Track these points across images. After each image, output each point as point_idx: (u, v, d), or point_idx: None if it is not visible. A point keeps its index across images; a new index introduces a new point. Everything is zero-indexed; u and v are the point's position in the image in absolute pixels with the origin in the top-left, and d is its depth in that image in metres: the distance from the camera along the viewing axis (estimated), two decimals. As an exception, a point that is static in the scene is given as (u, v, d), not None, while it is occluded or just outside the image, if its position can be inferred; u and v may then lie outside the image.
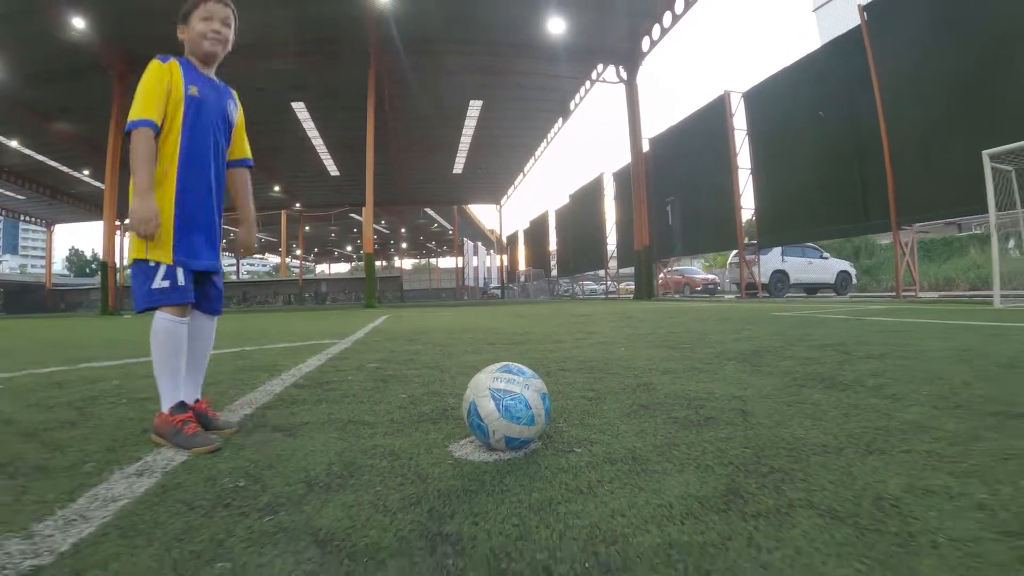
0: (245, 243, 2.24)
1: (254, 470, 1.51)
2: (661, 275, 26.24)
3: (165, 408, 1.84)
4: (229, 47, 2.05)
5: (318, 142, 31.77)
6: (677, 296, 24.92)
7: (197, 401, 1.97)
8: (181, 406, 1.85)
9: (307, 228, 50.99)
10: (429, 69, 23.71)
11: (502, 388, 1.61)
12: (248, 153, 2.21)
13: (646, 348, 4.25)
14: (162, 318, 1.84)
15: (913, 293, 14.25)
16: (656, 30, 21.48)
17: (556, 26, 20.60)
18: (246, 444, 1.79)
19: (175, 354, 1.86)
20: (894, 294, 13.97)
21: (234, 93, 2.15)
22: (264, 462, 1.58)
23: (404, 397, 2.55)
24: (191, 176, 1.90)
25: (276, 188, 39.53)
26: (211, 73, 2.03)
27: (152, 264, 1.82)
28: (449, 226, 61.89)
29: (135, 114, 1.79)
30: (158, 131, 1.83)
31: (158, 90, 1.83)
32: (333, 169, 36.57)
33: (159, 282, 1.82)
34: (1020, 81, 9.92)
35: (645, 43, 22.39)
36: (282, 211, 43.40)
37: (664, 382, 2.73)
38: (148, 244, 1.80)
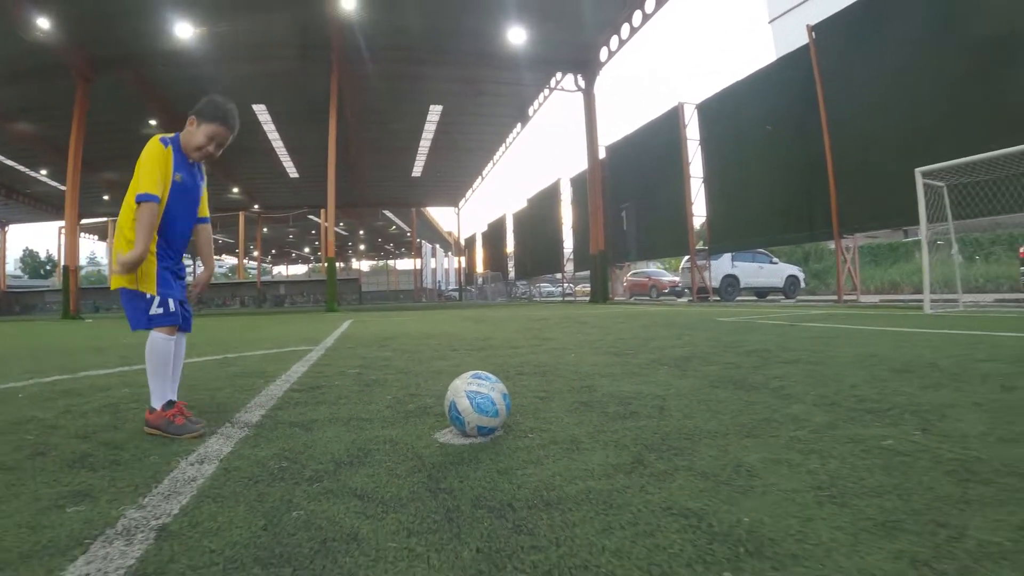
0: (203, 282, 2.85)
1: (290, 455, 2.00)
2: (627, 277, 27.05)
3: (157, 405, 2.38)
4: (212, 158, 2.62)
5: (278, 144, 31.76)
6: (633, 300, 25.68)
7: (175, 403, 2.46)
8: (170, 403, 2.39)
9: (265, 230, 50.53)
10: (391, 75, 24.07)
11: (474, 390, 2.15)
12: (207, 212, 2.77)
13: (593, 355, 4.82)
14: (158, 336, 2.39)
15: (855, 298, 15.23)
16: (614, 41, 22.22)
17: (517, 36, 21.17)
18: (274, 437, 2.28)
19: (166, 363, 2.41)
20: (836, 299, 14.95)
21: (203, 168, 2.71)
22: (296, 449, 2.08)
23: (389, 398, 3.06)
24: (170, 234, 2.46)
25: (235, 190, 39.20)
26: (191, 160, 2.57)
27: (148, 296, 2.36)
28: (407, 228, 61.92)
29: (146, 188, 2.32)
30: (157, 202, 2.35)
31: (161, 170, 2.37)
32: (292, 171, 36.51)
33: (155, 309, 2.37)
34: (949, 105, 10.85)
35: (603, 54, 23.13)
36: (240, 212, 42.94)
37: (603, 384, 3.30)
38: (137, 279, 2.35)
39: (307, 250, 76.94)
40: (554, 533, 1.29)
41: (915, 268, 23.80)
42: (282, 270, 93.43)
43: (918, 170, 9.84)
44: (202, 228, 2.72)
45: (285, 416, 2.67)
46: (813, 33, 14.00)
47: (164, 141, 2.42)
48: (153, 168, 2.35)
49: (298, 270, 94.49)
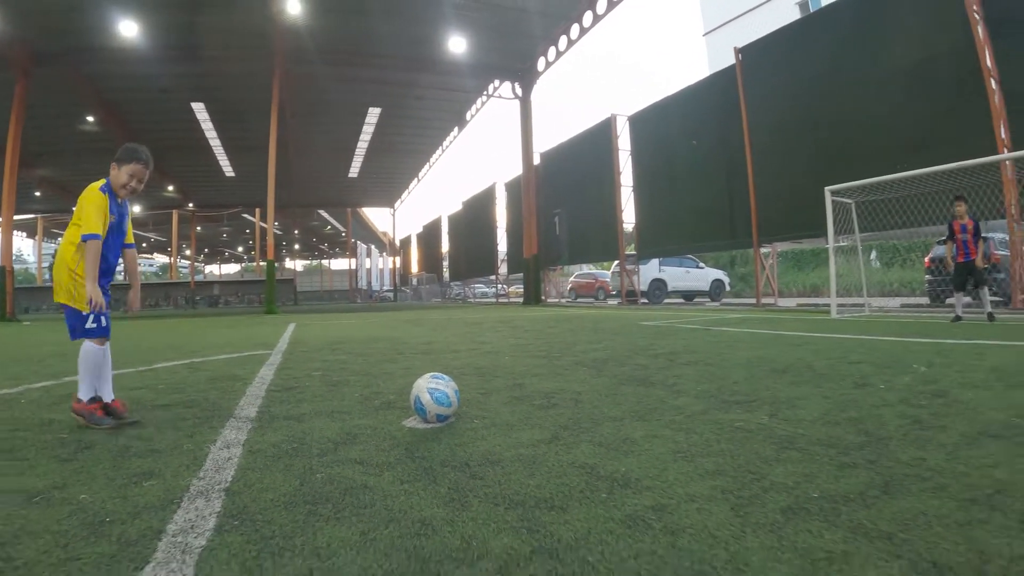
0: (133, 302, 3.44)
1: (296, 439, 2.64)
2: (573, 279, 27.89)
3: (84, 398, 3.00)
4: (136, 194, 3.22)
5: (215, 142, 31.46)
6: (578, 300, 26.57)
7: (114, 400, 3.12)
8: (94, 399, 3.03)
9: (199, 228, 49.41)
10: (331, 77, 24.40)
11: (433, 386, 2.84)
12: (132, 239, 3.38)
13: (524, 357, 5.56)
14: (91, 345, 3.01)
15: (773, 301, 16.55)
16: (552, 52, 23.18)
17: (457, 45, 21.80)
18: (276, 427, 2.90)
19: (97, 366, 3.05)
20: (755, 302, 16.25)
21: (129, 203, 3.33)
22: (297, 435, 2.71)
23: (357, 396, 3.71)
24: (104, 264, 3.06)
25: (170, 188, 38.34)
26: (119, 199, 3.16)
27: (85, 313, 2.97)
28: (342, 228, 61.55)
29: (91, 228, 2.91)
30: (100, 239, 2.97)
31: (102, 214, 2.97)
32: (229, 170, 36.10)
33: (90, 324, 2.98)
34: (858, 129, 12.17)
35: (541, 63, 24.08)
36: (174, 211, 41.94)
37: (532, 382, 4.05)
38: (75, 298, 2.97)
39: (240, 249, 75.34)
40: (497, 478, 2.00)
41: (836, 273, 25.41)
42: (213, 269, 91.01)
43: (827, 188, 11.03)
44: (128, 252, 3.33)
45: (277, 411, 3.28)
46: (740, 56, 15.20)
47: (102, 189, 3.01)
48: (97, 212, 2.94)
49: (229, 269, 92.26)
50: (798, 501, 1.70)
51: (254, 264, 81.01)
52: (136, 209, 41.78)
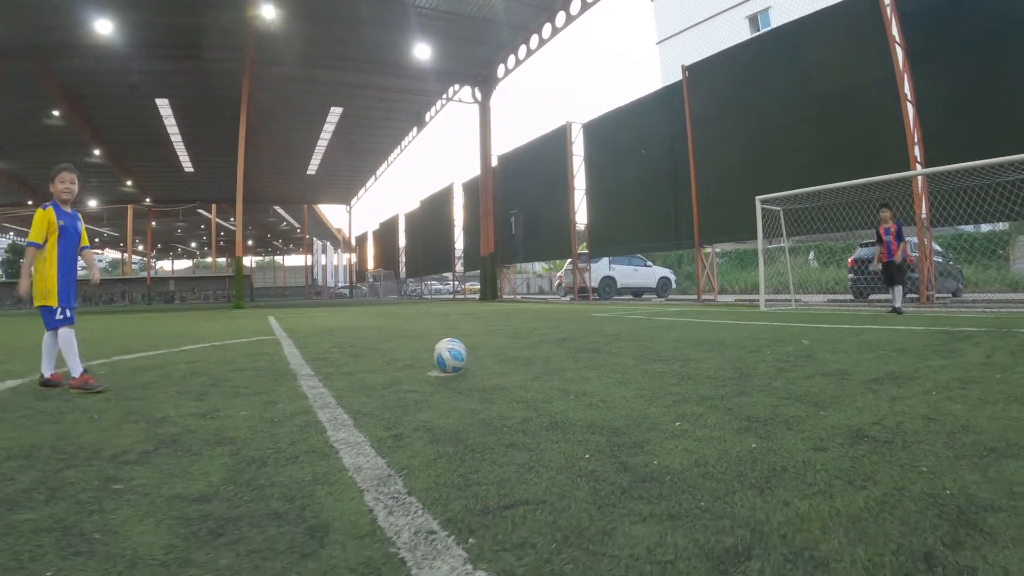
0: (95, 276, 4.52)
1: (358, 383, 3.76)
2: (561, 272, 28.41)
3: (76, 375, 3.78)
4: (75, 194, 4.07)
5: (176, 138, 31.64)
6: (519, 297, 27.80)
7: (86, 372, 3.89)
8: (84, 372, 3.85)
9: (153, 224, 48.91)
10: (296, 78, 25.08)
11: (450, 347, 4.02)
12: (87, 242, 4.21)
13: (498, 337, 6.80)
14: (66, 331, 3.89)
15: (713, 298, 18.04)
16: (511, 60, 24.31)
17: (420, 51, 22.70)
18: (338, 378, 4.02)
19: (72, 346, 3.87)
20: (696, 298, 17.77)
21: (79, 214, 4.16)
22: (357, 382, 3.84)
23: (381, 361, 4.85)
24: (63, 263, 3.93)
25: (129, 183, 38.15)
26: (68, 208, 4.03)
27: (54, 308, 3.86)
28: (298, 224, 61.54)
29: (31, 238, 3.84)
30: (40, 247, 3.84)
31: (42, 225, 3.84)
32: (188, 165, 36.13)
33: (59, 316, 3.87)
34: (788, 145, 13.68)
35: (500, 70, 25.17)
36: (128, 205, 41.52)
37: (510, 352, 5.27)
38: (46, 297, 3.86)
39: (194, 244, 74.35)
40: (506, 394, 3.20)
41: (774, 272, 27.33)
42: (164, 264, 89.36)
43: (758, 198, 12.46)
44: (86, 252, 4.22)
45: (327, 370, 4.39)
46: (687, 72, 16.67)
47: (44, 206, 3.92)
48: (37, 225, 3.85)
49: (180, 264, 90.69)
50: (684, 398, 2.96)
51: (207, 260, 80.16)
52: (91, 203, 41.36)
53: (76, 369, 3.80)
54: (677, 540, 1.35)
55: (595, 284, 21.95)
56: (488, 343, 6.17)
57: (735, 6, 33.47)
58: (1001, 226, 18.87)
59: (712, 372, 3.80)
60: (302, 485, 1.85)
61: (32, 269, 3.91)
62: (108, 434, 2.61)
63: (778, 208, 12.81)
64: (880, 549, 1.28)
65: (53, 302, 3.86)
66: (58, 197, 3.96)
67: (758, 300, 12.42)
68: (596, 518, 1.49)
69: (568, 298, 23.24)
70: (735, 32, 29.96)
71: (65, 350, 3.86)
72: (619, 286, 22.66)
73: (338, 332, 8.51)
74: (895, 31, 11.59)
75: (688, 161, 16.41)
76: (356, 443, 2.32)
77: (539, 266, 49.66)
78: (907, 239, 13.14)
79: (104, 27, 19.19)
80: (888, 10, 11.60)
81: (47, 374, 3.92)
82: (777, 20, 29.28)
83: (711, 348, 5.15)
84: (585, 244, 21.71)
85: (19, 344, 7.61)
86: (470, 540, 1.40)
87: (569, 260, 22.72)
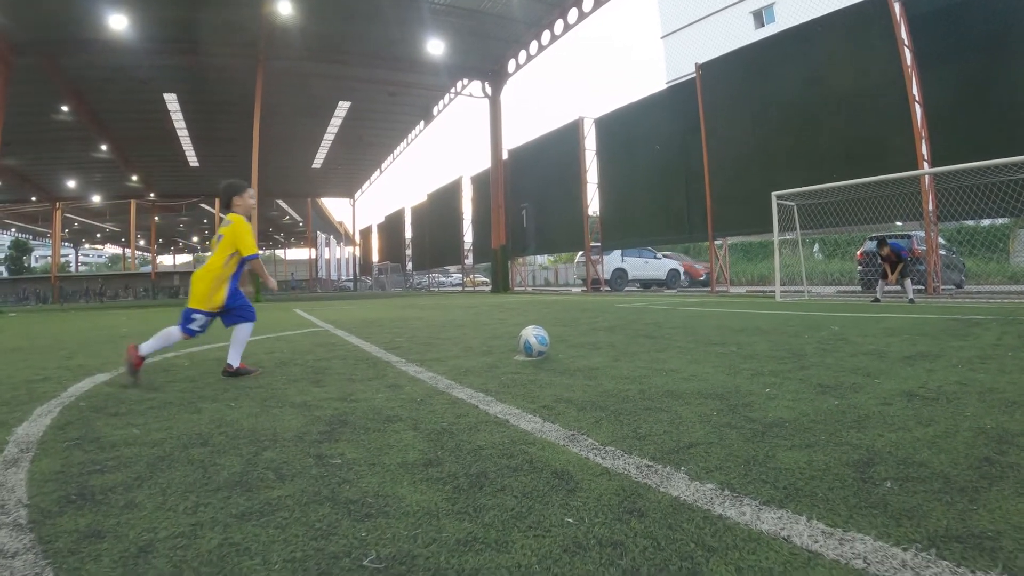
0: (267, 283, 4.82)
1: (458, 369, 4.29)
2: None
3: (235, 364, 4.13)
4: None
5: (183, 133, 31.97)
6: (530, 288, 28.26)
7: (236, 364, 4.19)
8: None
9: (156, 219, 49.27)
10: (307, 73, 25.41)
11: (536, 332, 4.53)
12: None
13: (548, 326, 7.28)
14: (248, 327, 4.27)
15: (725, 289, 18.65)
16: (523, 56, 24.67)
17: (432, 47, 23.14)
18: (434, 365, 4.56)
19: (246, 342, 4.29)
20: (710, 289, 18.39)
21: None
22: (455, 368, 4.37)
23: (457, 349, 5.37)
24: (239, 271, 4.24)
25: (134, 178, 38.52)
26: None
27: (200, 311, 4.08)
28: (300, 218, 61.92)
29: (253, 248, 4.17)
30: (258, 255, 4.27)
31: (252, 234, 4.20)
32: (194, 160, 36.47)
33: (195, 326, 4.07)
34: (803, 142, 14.18)
35: (511, 65, 25.53)
36: (131, 201, 41.81)
37: (572, 338, 5.80)
38: (209, 302, 4.08)
39: (195, 239, 74.70)
40: (602, 374, 3.73)
41: (783, 264, 27.55)
42: (166, 259, 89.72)
43: (774, 194, 13.02)
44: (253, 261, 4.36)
45: (416, 358, 4.91)
46: (700, 70, 17.17)
47: (246, 218, 4.23)
48: (251, 235, 4.19)
49: (182, 260, 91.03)
50: (758, 371, 3.52)
51: (208, 255, 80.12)
52: (95, 199, 41.66)
53: (236, 359, 4.16)
54: (821, 458, 1.90)
55: (607, 276, 22.51)
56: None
57: (740, 1, 33.93)
58: (1001, 221, 19.47)
59: (768, 352, 4.34)
60: (506, 446, 2.15)
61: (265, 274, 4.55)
62: (265, 420, 2.74)
63: (792, 203, 13.35)
64: (955, 456, 1.88)
65: (212, 308, 4.12)
66: (247, 210, 4.27)
67: (770, 290, 13.00)
68: (757, 450, 2.01)
69: (580, 289, 23.75)
70: (739, 27, 30.51)
71: (242, 342, 4.22)
72: (630, 278, 23.23)
73: (384, 323, 8.99)
74: (904, 34, 12.11)
75: (701, 156, 16.91)
76: (515, 413, 2.67)
77: (544, 258, 50.22)
78: (913, 234, 13.76)
79: (118, 22, 19.53)
80: (897, 13, 12.12)
81: (235, 364, 4.16)
82: (782, 15, 29.90)
83: (753, 334, 5.69)
84: (598, 236, 22.23)
85: (68, 339, 8.13)
86: (682, 468, 1.85)
87: (581, 252, 23.25)
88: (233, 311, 4.22)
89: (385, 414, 2.79)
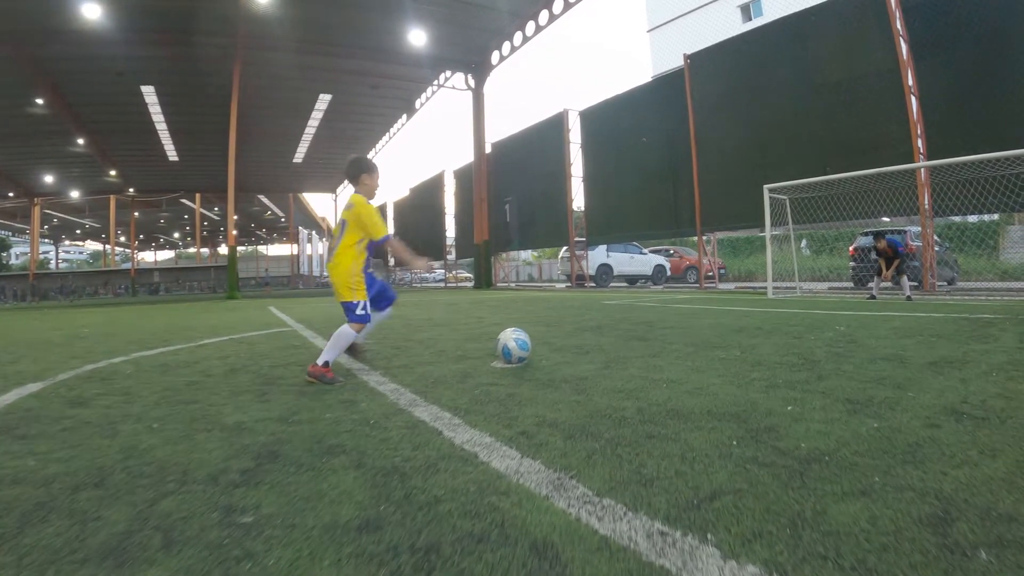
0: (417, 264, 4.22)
1: (430, 379, 3.81)
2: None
3: (321, 363, 3.65)
4: None
5: (162, 126, 31.19)
6: (513, 284, 27.83)
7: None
8: (326, 364, 3.68)
9: (136, 214, 48.25)
10: (286, 64, 24.78)
11: (516, 336, 4.04)
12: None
13: (531, 326, 6.80)
14: (348, 329, 3.74)
15: (714, 285, 18.24)
16: (506, 47, 24.20)
17: (413, 37, 22.64)
18: (406, 372, 4.07)
19: (345, 345, 3.79)
20: (698, 285, 17.98)
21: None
22: (427, 376, 3.89)
23: (429, 353, 4.87)
24: (368, 261, 3.91)
25: (112, 173, 37.52)
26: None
27: (357, 303, 3.75)
28: (282, 213, 61.03)
29: (383, 231, 3.79)
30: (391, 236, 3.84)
31: (379, 215, 3.81)
32: (173, 154, 35.64)
33: (360, 311, 3.74)
34: (793, 135, 13.80)
35: (495, 57, 25.06)
36: (111, 196, 40.87)
37: (556, 341, 5.32)
38: (354, 292, 3.75)
39: (176, 235, 73.40)
40: (592, 384, 3.25)
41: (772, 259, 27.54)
42: (147, 255, 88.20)
43: (767, 187, 12.60)
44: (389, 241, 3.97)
45: (382, 364, 4.43)
46: (688, 61, 16.73)
47: (368, 200, 3.87)
48: (379, 216, 3.82)
49: (163, 256, 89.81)
50: (771, 383, 3.05)
51: (190, 250, 79.18)
52: (74, 194, 40.66)
53: (324, 358, 3.70)
54: (885, 512, 1.43)
55: (591, 271, 22.08)
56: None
57: (726, -6, 33.67)
58: (990, 217, 19.27)
59: (776, 358, 3.88)
60: (471, 496, 1.68)
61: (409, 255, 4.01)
62: (184, 449, 2.28)
63: (784, 197, 12.97)
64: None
65: (363, 296, 3.79)
66: (371, 191, 3.91)
67: (761, 287, 12.59)
68: (802, 502, 1.54)
69: (565, 285, 23.34)
70: (727, 21, 30.16)
71: (338, 343, 3.74)
72: (615, 273, 22.81)
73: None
74: (899, 24, 11.73)
75: (689, 149, 16.50)
76: (487, 444, 2.19)
77: (527, 254, 49.75)
78: (908, 229, 13.44)
79: (92, 11, 18.84)
80: (892, 3, 11.74)
81: (320, 363, 3.69)
82: (770, 8, 29.57)
83: (754, 335, 5.24)
84: (582, 231, 21.82)
85: (23, 340, 7.56)
86: (709, 537, 1.36)
87: (565, 247, 22.83)
88: (375, 297, 3.99)
89: (327, 443, 2.31)
